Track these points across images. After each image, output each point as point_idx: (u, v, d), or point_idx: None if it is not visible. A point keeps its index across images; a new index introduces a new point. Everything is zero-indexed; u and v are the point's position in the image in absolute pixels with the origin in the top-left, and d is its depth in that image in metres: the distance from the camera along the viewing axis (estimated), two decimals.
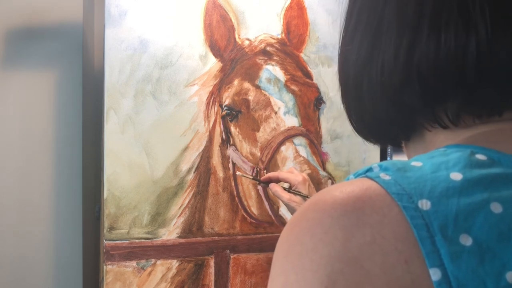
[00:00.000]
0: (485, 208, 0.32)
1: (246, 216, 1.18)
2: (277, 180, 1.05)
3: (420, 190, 0.32)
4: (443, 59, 0.37)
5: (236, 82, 1.19)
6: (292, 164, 1.16)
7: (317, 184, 1.16)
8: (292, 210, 0.99)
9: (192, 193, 1.14)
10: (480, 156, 0.35)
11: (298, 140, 1.20)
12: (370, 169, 0.37)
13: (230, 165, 1.18)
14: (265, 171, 1.18)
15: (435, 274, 0.30)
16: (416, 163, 0.35)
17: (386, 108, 0.41)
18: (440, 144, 0.41)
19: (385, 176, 0.34)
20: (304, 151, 1.19)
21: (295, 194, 0.99)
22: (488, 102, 0.38)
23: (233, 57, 1.19)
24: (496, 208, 0.32)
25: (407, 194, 0.32)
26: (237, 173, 1.15)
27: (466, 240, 0.31)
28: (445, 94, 0.38)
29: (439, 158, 0.35)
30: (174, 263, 1.12)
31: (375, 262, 0.31)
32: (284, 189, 1.00)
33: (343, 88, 0.46)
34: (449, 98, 0.39)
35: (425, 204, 0.32)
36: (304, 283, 0.31)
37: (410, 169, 0.35)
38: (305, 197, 0.99)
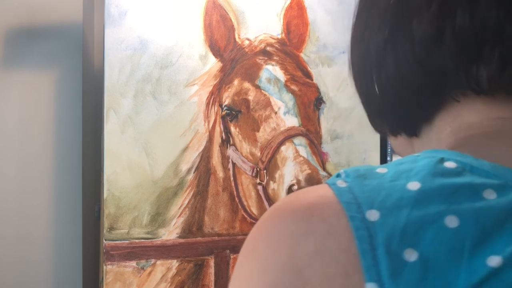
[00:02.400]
0: (438, 222, 0.29)
1: (246, 216, 1.18)
2: None
3: (372, 200, 0.31)
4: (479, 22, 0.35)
5: (236, 82, 1.18)
6: (292, 164, 1.16)
7: (317, 184, 1.16)
8: None
9: (192, 193, 1.14)
10: (449, 164, 0.32)
11: (298, 140, 1.20)
12: (338, 175, 0.35)
13: (230, 165, 1.18)
14: (265, 171, 1.17)
15: None
16: (382, 170, 0.34)
17: (416, 75, 0.38)
18: (443, 132, 0.39)
19: (342, 184, 0.33)
20: (304, 151, 1.19)
21: None
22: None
23: (233, 57, 1.19)
24: (452, 222, 0.29)
25: (357, 203, 0.31)
26: None
27: (411, 256, 0.29)
28: (480, 54, 0.36)
29: (406, 166, 0.33)
30: (174, 263, 1.12)
31: (315, 272, 0.29)
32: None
33: (361, 65, 0.43)
34: (485, 59, 0.36)
35: (373, 215, 0.30)
36: None
37: (371, 177, 0.33)
38: None
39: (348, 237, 0.30)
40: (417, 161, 0.33)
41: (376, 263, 0.29)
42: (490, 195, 0.30)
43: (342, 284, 0.29)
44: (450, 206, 0.30)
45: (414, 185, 0.31)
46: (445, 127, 0.39)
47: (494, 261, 0.28)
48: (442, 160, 0.33)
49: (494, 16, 0.35)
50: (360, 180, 0.32)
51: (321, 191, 0.33)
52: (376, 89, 0.42)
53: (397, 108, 0.42)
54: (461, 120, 0.38)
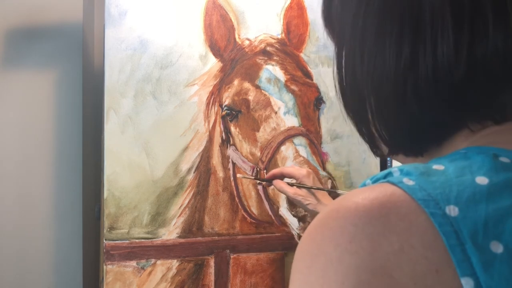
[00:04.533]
0: None
1: (246, 216, 1.18)
2: (281, 176, 1.05)
3: (447, 196, 0.31)
4: None
5: (236, 82, 1.19)
6: (292, 164, 1.16)
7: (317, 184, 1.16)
8: (299, 203, 0.99)
9: (192, 193, 1.14)
10: (504, 159, 0.33)
11: (298, 140, 1.20)
12: (390, 174, 0.35)
13: (230, 165, 1.18)
14: (265, 171, 1.18)
15: (467, 284, 0.29)
16: (438, 167, 0.34)
17: (439, 109, 0.38)
18: (459, 147, 0.39)
19: (408, 181, 0.32)
20: (304, 151, 1.19)
21: (299, 187, 0.99)
22: None
23: (233, 57, 1.19)
24: None
25: (433, 199, 0.31)
26: (238, 175, 1.16)
27: (497, 248, 0.29)
28: (508, 86, 0.36)
29: (461, 162, 0.34)
30: (174, 263, 1.12)
31: (404, 271, 0.29)
32: (288, 184, 1.01)
33: (374, 100, 0.41)
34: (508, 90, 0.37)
35: (452, 210, 0.30)
36: None
37: (433, 173, 0.33)
38: (309, 189, 0.99)
39: (432, 234, 0.30)
40: (470, 157, 0.34)
41: (467, 257, 0.29)
42: None
43: (434, 281, 0.29)
44: None
45: (482, 180, 0.32)
46: (460, 142, 0.39)
47: None
48: (496, 156, 0.34)
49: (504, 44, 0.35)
50: (425, 178, 0.33)
51: (388, 190, 0.32)
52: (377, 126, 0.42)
53: (406, 143, 0.42)
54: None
